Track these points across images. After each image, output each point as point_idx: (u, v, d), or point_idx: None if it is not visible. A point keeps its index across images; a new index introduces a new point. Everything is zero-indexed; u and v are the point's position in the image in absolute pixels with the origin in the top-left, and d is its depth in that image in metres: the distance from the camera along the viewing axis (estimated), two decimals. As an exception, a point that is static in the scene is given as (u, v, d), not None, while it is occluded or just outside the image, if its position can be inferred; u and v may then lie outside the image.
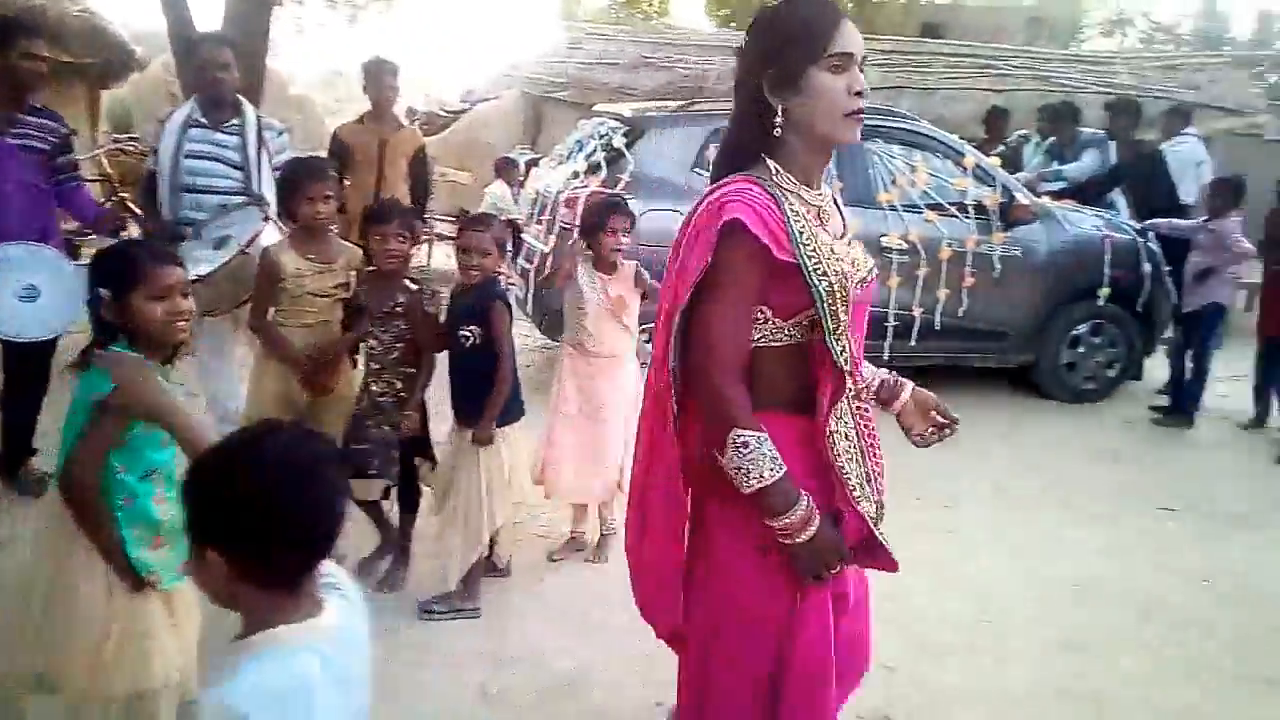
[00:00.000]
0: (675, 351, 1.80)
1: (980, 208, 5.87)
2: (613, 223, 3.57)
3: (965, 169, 5.93)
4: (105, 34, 8.87)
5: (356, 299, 3.37)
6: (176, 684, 2.11)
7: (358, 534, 3.55)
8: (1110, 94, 9.89)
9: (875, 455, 1.86)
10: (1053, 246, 5.99)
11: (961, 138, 6.46)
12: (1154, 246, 6.10)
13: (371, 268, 3.39)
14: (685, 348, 1.78)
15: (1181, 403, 5.85)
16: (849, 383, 1.77)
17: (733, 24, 19.88)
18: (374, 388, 3.34)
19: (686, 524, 1.91)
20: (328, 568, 1.38)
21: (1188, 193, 7.12)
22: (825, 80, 1.71)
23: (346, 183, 5.13)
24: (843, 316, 1.74)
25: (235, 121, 3.98)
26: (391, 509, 3.55)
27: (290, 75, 15.62)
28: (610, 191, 5.13)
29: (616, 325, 3.67)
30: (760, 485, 1.67)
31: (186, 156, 3.88)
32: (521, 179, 8.68)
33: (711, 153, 5.50)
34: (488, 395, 3.22)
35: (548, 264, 5.44)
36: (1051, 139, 7.47)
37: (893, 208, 5.73)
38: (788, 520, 1.69)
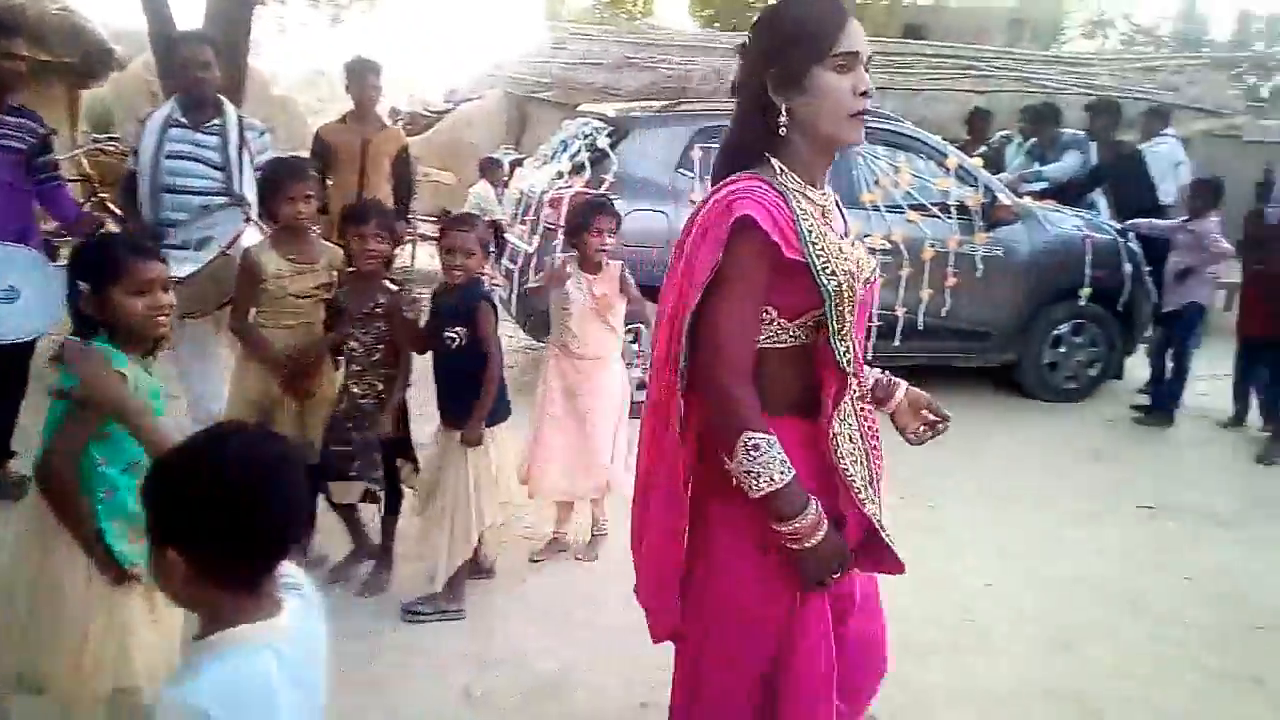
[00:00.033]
0: (684, 352, 1.76)
1: (963, 208, 5.90)
2: (598, 223, 3.57)
3: (948, 169, 5.96)
4: (85, 33, 8.79)
5: (336, 300, 3.35)
6: (161, 680, 2.10)
7: (341, 536, 3.55)
8: (1091, 95, 9.96)
9: (877, 457, 1.85)
10: (1034, 247, 6.03)
11: (944, 138, 6.49)
12: (1134, 247, 6.14)
13: (351, 269, 3.37)
14: (692, 347, 1.75)
15: (1162, 401, 5.90)
16: (852, 384, 1.75)
17: (716, 24, 19.92)
18: (354, 389, 3.32)
19: (686, 524, 1.89)
20: (287, 568, 1.39)
21: (1167, 193, 7.18)
22: (830, 80, 1.69)
23: (329, 183, 5.11)
24: (849, 317, 1.73)
25: (216, 121, 3.95)
26: (374, 517, 3.54)
27: (273, 75, 15.53)
28: (594, 192, 5.12)
29: (602, 326, 3.66)
30: (771, 489, 1.65)
31: (167, 157, 3.85)
32: (506, 179, 8.67)
33: (696, 153, 5.57)
34: (474, 396, 3.21)
35: (532, 265, 5.43)
36: (1033, 140, 7.51)
37: (876, 208, 5.75)
38: (798, 525, 1.66)
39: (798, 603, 1.78)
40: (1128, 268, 6.07)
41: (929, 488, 4.49)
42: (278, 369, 3.30)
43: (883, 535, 1.81)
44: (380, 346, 3.32)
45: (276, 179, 3.36)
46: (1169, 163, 7.31)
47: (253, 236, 3.53)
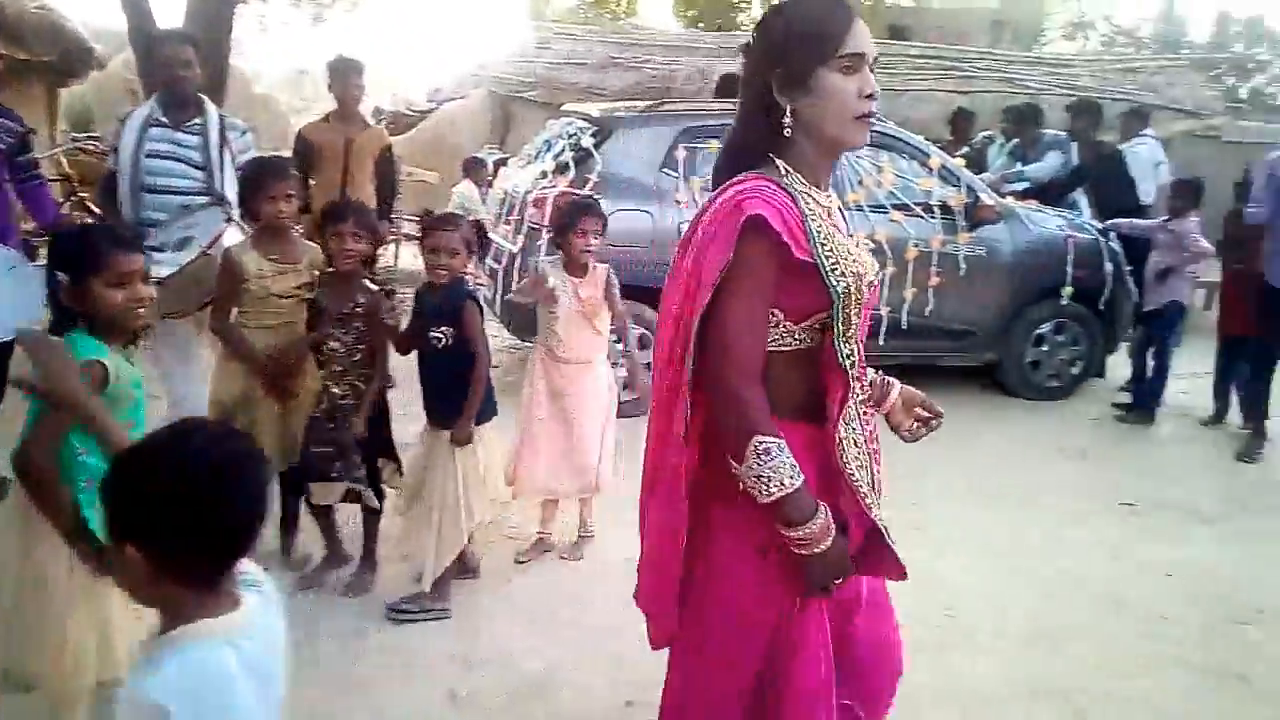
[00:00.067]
0: (691, 353, 1.72)
1: (946, 208, 5.92)
2: (583, 224, 3.55)
3: (931, 170, 5.98)
4: (64, 31, 8.72)
5: (316, 300, 3.32)
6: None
7: (350, 542, 3.53)
8: (1072, 96, 10.02)
9: (877, 461, 1.83)
10: (1017, 246, 6.06)
11: (927, 139, 6.51)
12: (1115, 246, 6.18)
13: (330, 268, 3.35)
14: (700, 348, 1.71)
15: (1144, 400, 5.94)
16: (856, 387, 1.74)
17: (700, 24, 19.96)
18: (334, 390, 3.29)
19: (685, 531, 1.85)
20: (246, 565, 1.39)
21: (1146, 193, 7.24)
22: (836, 81, 1.67)
23: (312, 183, 5.09)
24: (855, 319, 1.71)
25: (197, 121, 3.92)
26: (351, 520, 3.51)
27: (255, 73, 15.47)
28: (579, 192, 5.12)
29: (588, 329, 3.64)
30: (781, 494, 1.62)
31: (147, 156, 3.82)
32: (490, 179, 8.65)
33: (680, 153, 5.58)
34: (461, 395, 3.20)
35: (516, 265, 5.42)
36: (1015, 140, 7.55)
37: (859, 208, 5.76)
38: (808, 530, 1.64)
39: (797, 608, 1.76)
40: (1109, 267, 6.11)
41: (912, 486, 4.50)
42: (259, 369, 3.28)
43: (887, 540, 1.79)
44: (360, 347, 3.30)
45: (257, 178, 3.34)
46: (1149, 163, 7.38)
47: (234, 236, 3.51)
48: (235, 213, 3.69)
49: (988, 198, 6.05)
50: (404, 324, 3.42)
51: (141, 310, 2.10)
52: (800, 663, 1.76)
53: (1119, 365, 6.46)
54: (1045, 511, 4.47)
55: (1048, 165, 7.19)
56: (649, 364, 5.33)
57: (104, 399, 2.08)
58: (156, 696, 1.19)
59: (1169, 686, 3.08)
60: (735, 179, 1.74)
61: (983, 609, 3.49)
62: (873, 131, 6.47)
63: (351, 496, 3.36)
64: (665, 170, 5.55)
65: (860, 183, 5.81)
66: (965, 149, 7.73)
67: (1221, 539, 4.27)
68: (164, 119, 3.88)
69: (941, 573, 3.76)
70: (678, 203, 5.46)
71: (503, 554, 3.74)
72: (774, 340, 1.72)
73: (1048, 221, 6.25)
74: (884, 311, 5.73)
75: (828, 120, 1.70)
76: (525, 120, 11.84)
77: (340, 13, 13.67)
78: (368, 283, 3.37)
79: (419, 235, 3.41)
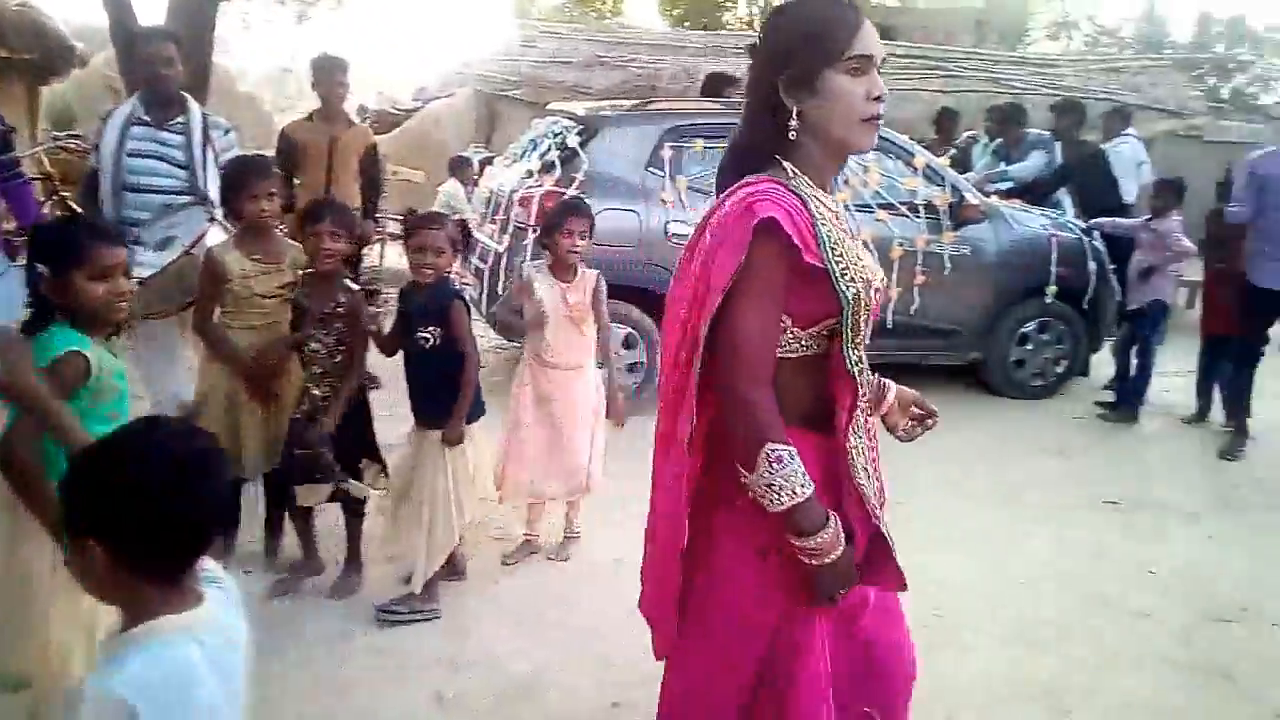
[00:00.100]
0: (698, 357, 1.70)
1: (930, 207, 5.94)
2: (569, 224, 3.51)
3: (916, 169, 6.00)
4: (44, 29, 8.64)
5: (297, 300, 3.29)
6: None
7: (333, 546, 3.50)
8: (1056, 95, 10.08)
9: (878, 470, 1.82)
10: (1001, 246, 6.08)
11: (912, 138, 6.53)
12: (1099, 245, 6.22)
13: (310, 269, 3.31)
14: (709, 352, 1.68)
15: (1127, 398, 5.97)
16: (863, 395, 1.72)
17: (686, 23, 19.98)
18: (315, 391, 3.25)
19: (685, 540, 1.82)
20: (207, 562, 1.40)
21: (1128, 192, 7.28)
22: (843, 83, 1.65)
23: (296, 182, 5.05)
24: (864, 326, 1.69)
25: (180, 119, 3.89)
26: (337, 520, 3.49)
27: (238, 72, 15.36)
28: (565, 191, 5.11)
29: (576, 334, 3.61)
30: (792, 503, 1.60)
31: (129, 155, 3.79)
32: (475, 178, 8.63)
33: (666, 152, 5.57)
34: (449, 395, 3.18)
35: (502, 264, 5.40)
36: (999, 140, 7.59)
37: (845, 207, 5.77)
38: (819, 541, 1.62)
39: (802, 617, 1.74)
40: (1093, 266, 6.14)
41: (896, 485, 4.46)
42: (242, 370, 3.26)
43: (890, 550, 1.78)
44: (342, 348, 3.27)
45: (238, 176, 3.32)
46: (1131, 162, 7.42)
47: (216, 236, 3.48)
48: (218, 212, 3.66)
49: (972, 197, 6.07)
50: (389, 324, 3.40)
51: (123, 304, 2.10)
52: (802, 665, 1.75)
53: (1103, 364, 6.50)
54: (1029, 509, 4.49)
55: (1032, 165, 7.22)
56: (632, 365, 5.39)
57: (87, 391, 2.07)
58: (123, 693, 1.20)
59: (1154, 684, 3.09)
60: (744, 181, 1.71)
61: (968, 608, 3.50)
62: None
63: (340, 494, 3.33)
64: (651, 169, 5.54)
65: (846, 182, 5.81)
66: (950, 149, 7.76)
67: (1205, 537, 4.30)
68: (146, 117, 3.86)
69: (927, 572, 3.75)
70: (663, 202, 5.46)
71: (489, 556, 3.73)
72: (781, 346, 1.69)
73: (1032, 221, 6.28)
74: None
75: (834, 122, 1.68)
76: (511, 119, 11.83)
77: (325, 10, 13.59)
78: (348, 282, 3.34)
79: (403, 234, 3.38)
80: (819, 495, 1.65)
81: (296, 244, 3.45)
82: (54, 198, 7.18)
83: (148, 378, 3.75)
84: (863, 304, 1.68)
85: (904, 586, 1.85)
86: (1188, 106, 12.20)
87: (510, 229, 5.47)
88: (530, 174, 5.65)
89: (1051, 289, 6.06)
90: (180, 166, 3.83)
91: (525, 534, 3.79)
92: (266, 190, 3.27)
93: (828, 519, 1.64)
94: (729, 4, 22.16)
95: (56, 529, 1.97)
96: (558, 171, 5.51)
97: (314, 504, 3.34)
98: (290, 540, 3.51)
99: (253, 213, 3.26)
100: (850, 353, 1.68)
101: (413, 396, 3.30)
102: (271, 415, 3.32)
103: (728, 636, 1.81)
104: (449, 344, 3.18)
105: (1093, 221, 6.36)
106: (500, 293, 5.29)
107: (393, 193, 8.99)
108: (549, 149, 5.72)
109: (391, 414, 3.54)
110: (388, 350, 3.35)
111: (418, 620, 3.20)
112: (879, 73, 1.68)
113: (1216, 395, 5.87)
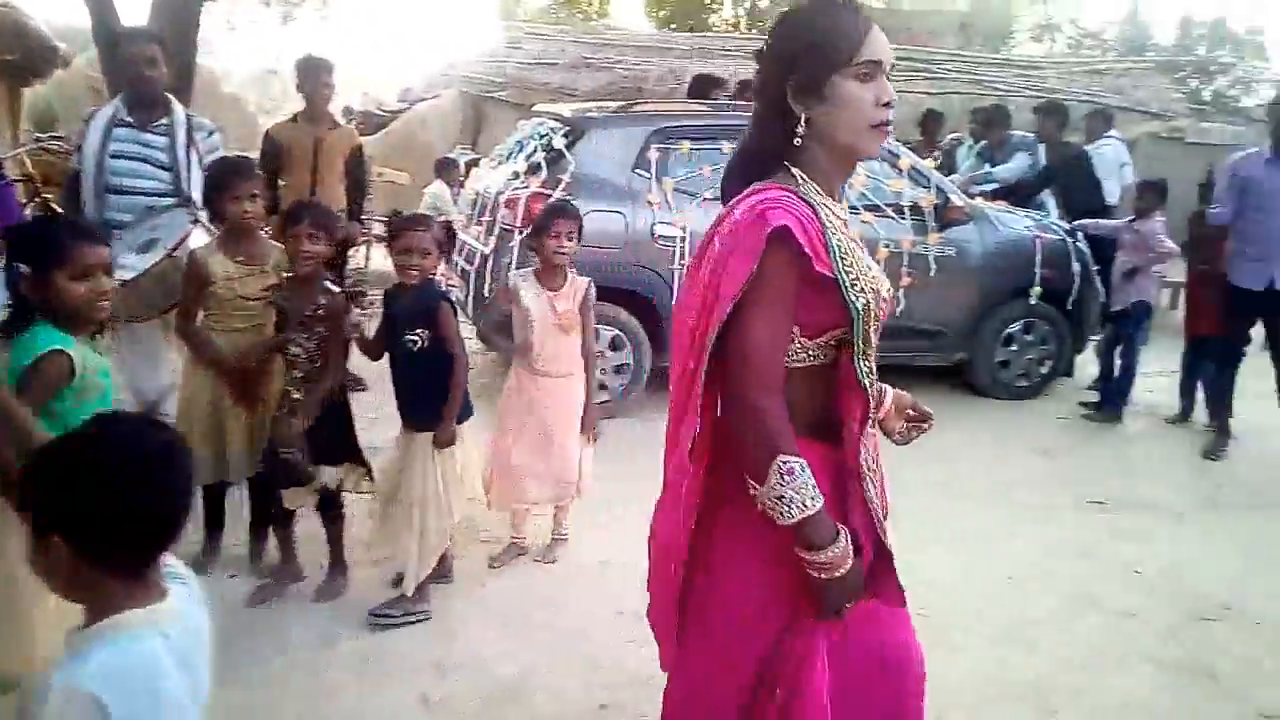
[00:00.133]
0: (705, 366, 1.67)
1: (916, 209, 5.96)
2: (556, 226, 3.49)
3: (901, 171, 6.02)
4: (26, 29, 8.55)
5: (277, 303, 3.25)
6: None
7: (318, 550, 3.49)
8: (1039, 97, 10.14)
9: (882, 481, 1.81)
10: (986, 247, 6.10)
11: (897, 140, 6.55)
12: (1083, 246, 6.25)
13: (290, 271, 3.28)
14: (719, 361, 1.66)
15: (1111, 398, 6.01)
16: (871, 406, 1.70)
17: (672, 25, 19.98)
18: (295, 395, 3.21)
19: (686, 550, 1.81)
20: (170, 559, 1.40)
21: (1111, 193, 7.33)
22: (852, 89, 1.63)
23: (281, 183, 5.03)
24: (873, 336, 1.68)
25: (164, 121, 3.87)
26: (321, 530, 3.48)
27: (223, 73, 15.28)
28: (550, 192, 5.10)
29: (565, 341, 3.59)
30: (803, 515, 1.58)
31: (112, 157, 3.77)
32: (461, 179, 8.61)
33: (653, 153, 5.57)
34: (438, 397, 3.17)
35: (489, 266, 5.39)
36: (983, 142, 7.62)
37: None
38: (830, 555, 1.60)
39: (806, 628, 1.73)
40: (1077, 267, 6.17)
41: (885, 486, 4.53)
42: (225, 373, 3.24)
43: (893, 564, 1.78)
44: (323, 351, 3.25)
45: (221, 177, 3.30)
46: (1114, 164, 7.47)
47: (200, 238, 3.46)
48: (202, 214, 3.64)
49: (957, 199, 6.09)
50: (374, 327, 3.38)
51: (104, 303, 2.09)
52: (807, 670, 1.73)
53: (1087, 364, 6.54)
54: (1014, 509, 4.51)
55: (1016, 166, 7.27)
56: (618, 366, 5.39)
57: (71, 390, 2.06)
58: (90, 686, 1.20)
59: (1139, 683, 3.11)
60: (754, 188, 1.69)
61: (955, 607, 3.51)
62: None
63: (324, 494, 3.31)
64: (638, 171, 5.54)
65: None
66: (935, 151, 7.79)
67: (1189, 536, 4.32)
68: (129, 119, 3.83)
69: (914, 572, 3.74)
70: (650, 204, 5.46)
71: (476, 558, 3.72)
72: (788, 356, 1.68)
73: (1016, 222, 6.31)
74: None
75: (842, 128, 1.66)
76: (497, 120, 11.82)
77: (309, 11, 13.54)
78: (329, 285, 3.32)
79: (389, 236, 3.36)
80: (827, 507, 1.63)
81: (279, 245, 3.43)
82: (36, 199, 7.12)
83: (131, 381, 3.72)
84: (872, 314, 1.67)
85: (903, 602, 1.84)
86: (1170, 109, 12.30)
87: (496, 231, 5.46)
88: (516, 176, 5.64)
89: (1036, 290, 6.08)
90: (164, 168, 3.81)
91: (512, 536, 3.78)
92: (249, 192, 3.25)
93: (838, 533, 1.62)
94: (715, 6, 22.18)
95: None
96: (544, 173, 5.51)
97: (299, 506, 3.32)
98: (273, 545, 3.49)
99: (235, 214, 3.24)
100: (861, 364, 1.67)
101: (400, 399, 3.29)
102: (255, 418, 3.30)
103: (728, 636, 1.80)
104: (437, 346, 3.17)
105: (1076, 223, 6.39)
106: (486, 295, 5.28)
107: (378, 194, 8.95)
108: (535, 151, 5.71)
109: (378, 416, 3.52)
110: (372, 354, 3.33)
111: (410, 622, 3.19)
112: (888, 78, 1.67)
113: (1200, 395, 5.91)
